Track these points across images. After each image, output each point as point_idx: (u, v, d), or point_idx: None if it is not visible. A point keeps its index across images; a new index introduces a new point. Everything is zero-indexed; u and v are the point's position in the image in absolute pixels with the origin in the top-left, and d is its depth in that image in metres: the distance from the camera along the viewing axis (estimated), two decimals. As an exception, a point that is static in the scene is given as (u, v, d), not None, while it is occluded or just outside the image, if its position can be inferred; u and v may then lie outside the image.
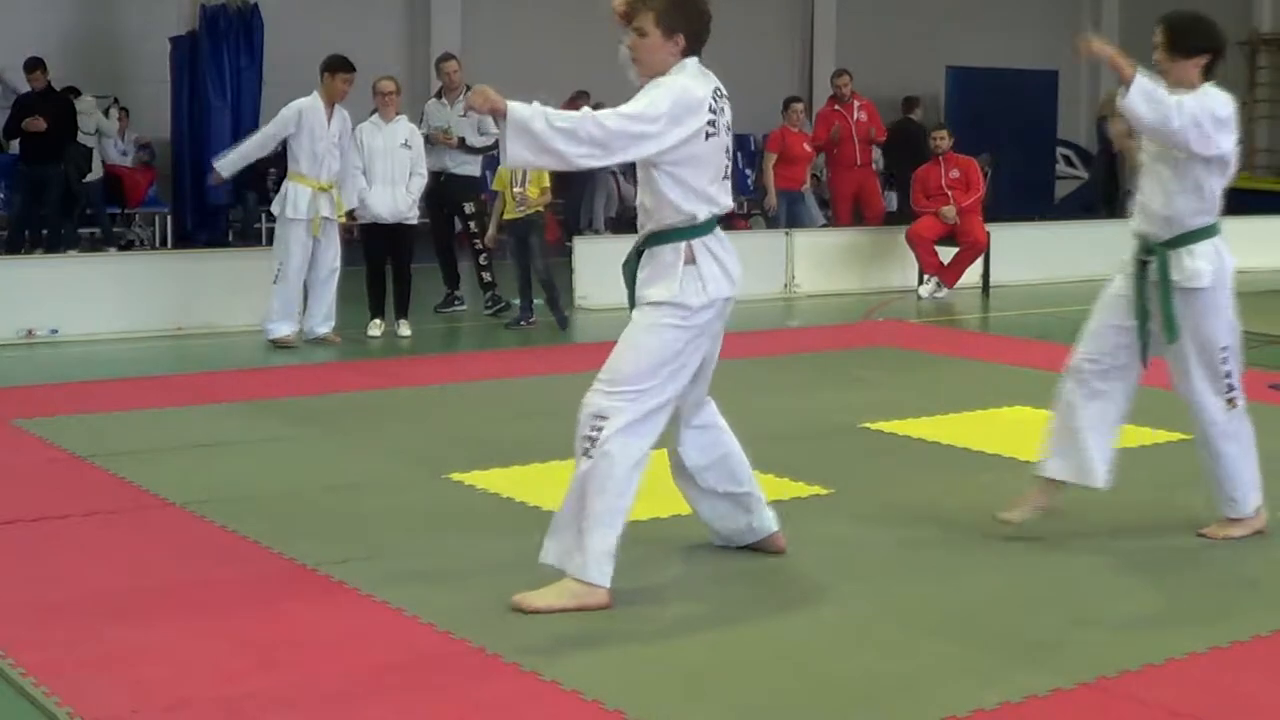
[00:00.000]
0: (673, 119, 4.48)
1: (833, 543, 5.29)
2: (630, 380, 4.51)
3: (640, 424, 4.51)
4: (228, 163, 10.02)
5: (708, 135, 4.56)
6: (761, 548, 5.07)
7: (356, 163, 10.14)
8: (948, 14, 21.79)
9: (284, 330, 9.93)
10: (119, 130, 15.78)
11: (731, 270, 4.67)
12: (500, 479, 6.11)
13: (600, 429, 4.47)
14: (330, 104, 9.92)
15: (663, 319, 4.57)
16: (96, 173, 14.93)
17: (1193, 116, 4.94)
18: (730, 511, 5.03)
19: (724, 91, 4.68)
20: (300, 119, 9.80)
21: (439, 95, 11.64)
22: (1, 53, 15.31)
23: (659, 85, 4.55)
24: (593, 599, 4.46)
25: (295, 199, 9.82)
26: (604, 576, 4.47)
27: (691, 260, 4.59)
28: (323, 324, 10.13)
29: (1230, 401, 5.22)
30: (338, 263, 10.09)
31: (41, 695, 3.78)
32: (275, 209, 10.08)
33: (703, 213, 4.60)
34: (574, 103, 17.17)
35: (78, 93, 15.04)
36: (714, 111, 4.58)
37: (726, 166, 4.69)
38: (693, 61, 4.64)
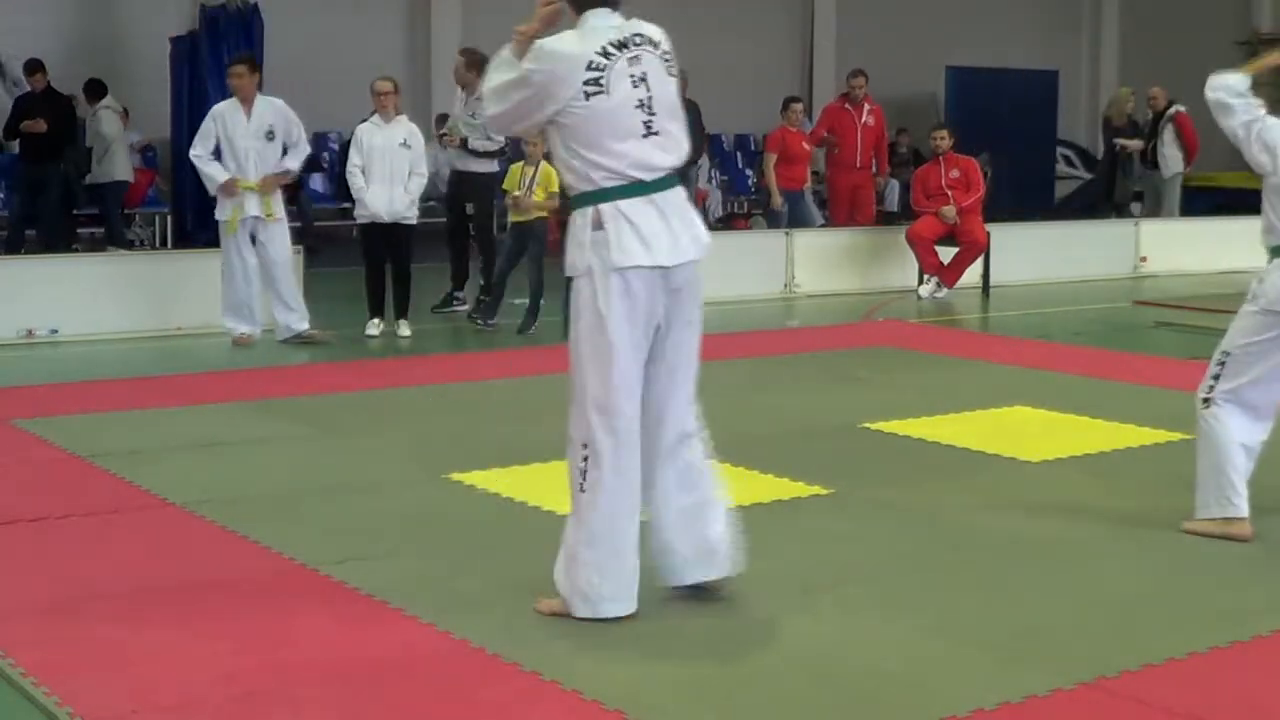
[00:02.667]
0: (539, 88, 4.23)
1: (833, 542, 5.29)
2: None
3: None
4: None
5: (589, 95, 4.20)
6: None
7: (356, 161, 10.22)
8: (948, 14, 21.78)
9: (238, 328, 10.06)
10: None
11: (651, 239, 4.24)
12: (500, 479, 6.10)
13: (587, 456, 4.30)
14: (242, 101, 10.10)
15: (581, 299, 4.29)
16: (120, 175, 14.79)
17: None
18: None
19: (643, 38, 4.30)
20: (217, 122, 10.06)
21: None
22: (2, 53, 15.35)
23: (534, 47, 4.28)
24: None
25: (221, 201, 10.03)
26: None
27: (600, 226, 4.25)
28: (299, 321, 10.13)
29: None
30: (287, 256, 10.12)
31: (41, 695, 3.78)
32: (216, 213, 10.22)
33: (605, 176, 4.25)
34: None
35: (104, 89, 14.91)
36: (598, 69, 4.22)
37: (647, 122, 4.27)
38: (596, 13, 4.32)
